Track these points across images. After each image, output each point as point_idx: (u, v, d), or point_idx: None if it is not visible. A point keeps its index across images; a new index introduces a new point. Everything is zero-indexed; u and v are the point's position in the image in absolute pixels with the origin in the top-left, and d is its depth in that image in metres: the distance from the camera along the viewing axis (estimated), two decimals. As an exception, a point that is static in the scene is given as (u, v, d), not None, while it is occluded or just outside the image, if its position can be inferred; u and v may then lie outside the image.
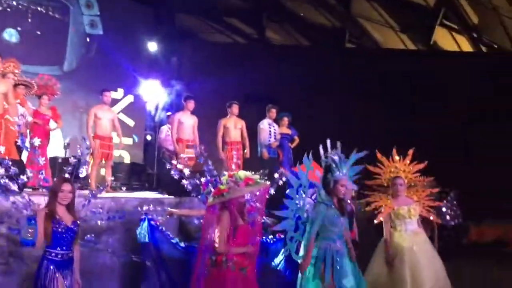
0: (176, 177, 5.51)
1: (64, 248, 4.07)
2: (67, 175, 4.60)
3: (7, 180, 4.42)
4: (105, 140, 7.75)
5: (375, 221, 5.48)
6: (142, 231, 5.38)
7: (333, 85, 11.28)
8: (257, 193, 4.15)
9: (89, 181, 7.56)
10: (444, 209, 7.30)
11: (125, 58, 11.55)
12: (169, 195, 7.23)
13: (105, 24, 11.73)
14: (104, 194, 5.72)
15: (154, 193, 8.22)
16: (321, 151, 4.59)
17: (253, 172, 4.08)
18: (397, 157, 5.53)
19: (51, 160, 8.24)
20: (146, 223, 5.37)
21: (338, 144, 4.57)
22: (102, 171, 8.81)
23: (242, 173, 3.97)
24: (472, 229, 10.94)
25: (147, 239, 5.36)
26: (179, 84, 12.24)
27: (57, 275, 4.00)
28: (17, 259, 5.15)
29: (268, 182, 4.34)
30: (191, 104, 8.33)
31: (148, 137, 11.89)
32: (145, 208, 5.49)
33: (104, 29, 11.71)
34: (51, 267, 4.00)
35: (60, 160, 8.76)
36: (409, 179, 5.49)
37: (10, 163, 4.56)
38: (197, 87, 11.11)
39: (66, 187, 4.15)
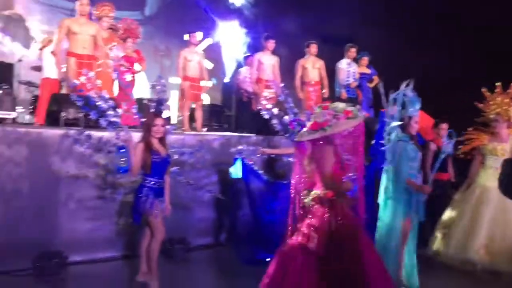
0: (266, 116, 5.59)
1: (159, 177, 4.42)
2: (160, 111, 4.88)
3: (110, 112, 4.70)
4: (194, 82, 7.93)
5: (460, 151, 5.42)
6: (236, 169, 5.67)
7: (419, 21, 10.65)
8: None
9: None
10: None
11: (204, 1, 11.60)
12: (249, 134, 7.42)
13: (183, -33, 11.76)
14: (192, 132, 6.01)
15: (233, 133, 8.42)
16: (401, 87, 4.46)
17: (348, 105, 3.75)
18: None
19: (137, 101, 8.63)
20: (239, 162, 5.63)
21: (411, 81, 4.43)
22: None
23: (340, 105, 3.63)
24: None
25: (239, 176, 5.66)
26: (256, 25, 12.14)
27: (155, 201, 4.37)
28: (114, 188, 5.61)
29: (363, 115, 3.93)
30: (271, 44, 8.30)
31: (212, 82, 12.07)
32: (239, 147, 5.73)
33: (183, -29, 11.75)
34: (150, 193, 4.36)
35: (145, 101, 9.14)
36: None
37: (108, 96, 4.85)
38: (276, 27, 10.96)
39: (159, 121, 4.43)
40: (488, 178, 5.31)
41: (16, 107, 7.26)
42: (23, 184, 5.17)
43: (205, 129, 9.56)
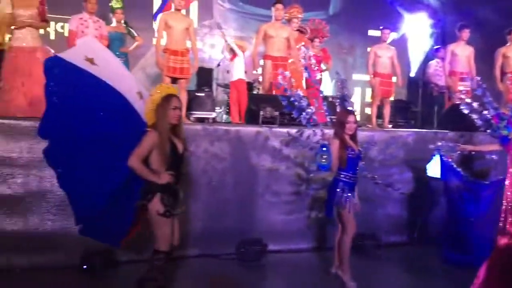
0: (465, 111, 5.28)
1: (353, 171, 4.53)
2: (350, 108, 4.93)
3: (309, 110, 4.91)
4: (385, 78, 7.86)
5: None
6: (433, 166, 5.52)
7: None
8: None
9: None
10: None
11: (388, -6, 11.35)
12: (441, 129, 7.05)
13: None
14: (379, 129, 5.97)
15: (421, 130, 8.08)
16: None
17: None
18: None
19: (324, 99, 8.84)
20: (437, 158, 5.45)
21: None
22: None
23: None
24: None
25: (438, 175, 5.47)
26: (446, 15, 11.44)
27: (349, 194, 4.49)
28: (308, 183, 5.86)
29: None
30: (466, 34, 7.80)
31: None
32: (438, 143, 5.54)
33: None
34: (346, 187, 4.49)
35: (330, 99, 9.32)
36: None
37: (302, 94, 5.07)
38: (467, 15, 10.17)
39: (351, 118, 4.51)
40: None
41: (216, 108, 8.04)
42: (227, 177, 5.66)
43: (391, 125, 9.37)
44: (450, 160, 5.41)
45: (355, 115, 4.59)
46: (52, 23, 8.20)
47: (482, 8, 10.09)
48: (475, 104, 5.42)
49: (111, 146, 3.72)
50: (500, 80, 7.70)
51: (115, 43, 7.17)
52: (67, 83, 3.69)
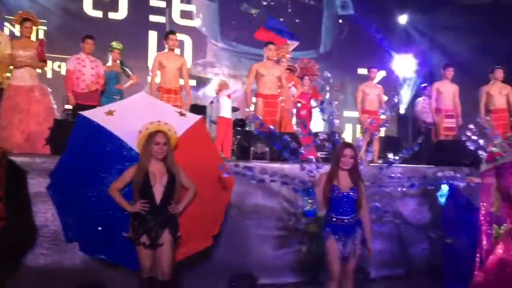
0: (472, 147, 5.46)
1: (340, 213, 4.07)
2: (349, 141, 4.99)
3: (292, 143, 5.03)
4: (373, 114, 8.06)
5: None
6: (442, 193, 5.72)
7: None
8: None
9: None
10: None
11: (377, 34, 11.75)
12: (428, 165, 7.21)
13: (355, 3, 12.12)
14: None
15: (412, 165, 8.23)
16: None
17: None
18: None
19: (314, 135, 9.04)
20: (446, 187, 5.65)
21: None
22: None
23: None
24: None
25: (443, 202, 5.69)
26: (432, 55, 11.84)
27: (332, 238, 4.06)
28: (297, 218, 5.95)
29: None
30: (450, 72, 8.06)
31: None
32: (446, 173, 5.75)
33: (355, 8, 12.11)
34: (328, 229, 4.11)
35: (320, 136, 9.51)
36: None
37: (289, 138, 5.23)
38: (453, 55, 10.57)
39: (348, 151, 4.10)
40: None
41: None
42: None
43: (381, 161, 9.54)
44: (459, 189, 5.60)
45: (354, 149, 4.18)
46: (49, 62, 8.46)
47: (467, 49, 10.49)
48: (481, 141, 5.60)
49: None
50: (485, 117, 7.92)
51: (111, 81, 7.40)
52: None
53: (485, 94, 7.94)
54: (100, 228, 4.18)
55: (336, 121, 5.64)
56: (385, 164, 5.98)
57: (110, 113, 4.31)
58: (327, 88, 5.63)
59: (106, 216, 4.18)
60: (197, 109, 9.17)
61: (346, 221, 4.05)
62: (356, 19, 11.99)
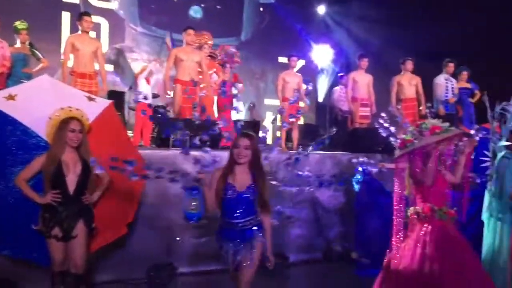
0: (384, 135, 5.68)
1: (235, 216, 3.41)
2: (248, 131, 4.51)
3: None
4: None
5: None
6: (356, 179, 5.94)
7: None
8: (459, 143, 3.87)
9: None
10: None
11: (297, 24, 11.95)
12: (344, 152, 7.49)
13: (276, -8, 12.25)
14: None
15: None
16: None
17: (441, 120, 3.86)
18: None
19: (234, 123, 9.03)
20: (361, 173, 5.90)
21: None
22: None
23: (430, 122, 3.76)
24: None
25: (357, 188, 5.94)
26: (348, 45, 12.26)
27: (224, 246, 3.45)
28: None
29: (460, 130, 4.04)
30: (364, 63, 8.37)
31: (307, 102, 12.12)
32: (360, 159, 5.94)
33: (276, -3, 12.24)
34: (219, 236, 3.50)
35: (241, 123, 9.54)
36: None
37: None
38: (368, 46, 11.00)
39: (243, 141, 3.41)
40: None
41: (128, 132, 7.96)
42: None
43: (300, 148, 9.76)
44: (371, 174, 5.84)
45: (252, 139, 3.45)
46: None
47: (381, 41, 10.95)
48: (392, 129, 5.85)
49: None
50: (396, 106, 8.32)
51: (18, 63, 6.93)
52: None
53: (396, 84, 8.34)
54: (3, 222, 3.92)
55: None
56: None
57: (10, 97, 4.01)
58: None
59: (11, 209, 3.93)
60: (114, 95, 8.87)
61: (241, 225, 3.40)
62: (276, 8, 12.10)
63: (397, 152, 3.86)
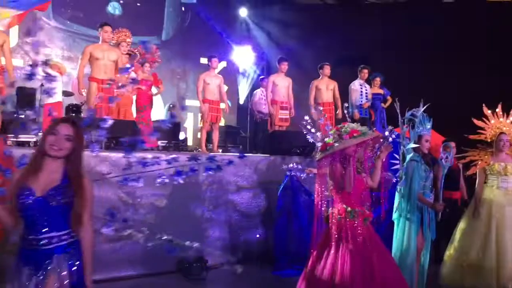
0: (311, 140, 5.76)
1: (36, 230, 2.49)
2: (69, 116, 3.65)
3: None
4: (213, 104, 8.13)
5: (468, 173, 5.46)
6: (285, 184, 6.10)
7: (427, 43, 10.83)
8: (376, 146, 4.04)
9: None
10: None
11: (218, 25, 11.92)
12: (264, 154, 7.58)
13: (198, -8, 12.14)
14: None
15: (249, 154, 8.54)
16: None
17: (359, 124, 4.03)
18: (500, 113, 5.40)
19: (154, 123, 8.84)
20: (289, 179, 6.05)
21: (423, 101, 4.58)
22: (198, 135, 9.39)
23: (349, 126, 3.88)
24: None
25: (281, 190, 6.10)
26: (270, 48, 12.42)
27: (22, 271, 2.49)
28: (135, 209, 5.75)
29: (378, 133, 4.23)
30: (284, 66, 8.50)
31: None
32: (290, 165, 6.06)
33: (198, -3, 12.13)
34: (17, 260, 2.54)
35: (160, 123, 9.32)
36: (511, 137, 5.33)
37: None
38: (289, 50, 11.21)
39: (64, 129, 2.54)
40: (495, 194, 5.20)
41: (40, 132, 7.51)
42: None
43: (221, 150, 9.76)
44: (299, 179, 6.05)
45: (77, 128, 2.59)
46: None
47: (301, 45, 11.21)
48: (318, 134, 5.96)
49: None
50: (314, 109, 8.54)
51: None
52: None
53: (314, 88, 8.57)
54: None
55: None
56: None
57: None
58: None
59: None
60: (24, 92, 8.34)
61: (43, 244, 2.48)
62: (198, 8, 12.00)
63: (319, 155, 3.95)
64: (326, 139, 3.90)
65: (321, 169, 3.97)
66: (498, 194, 5.19)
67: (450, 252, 5.31)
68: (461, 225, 5.35)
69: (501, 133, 5.27)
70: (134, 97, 8.10)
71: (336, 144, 3.80)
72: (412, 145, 4.54)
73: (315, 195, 3.99)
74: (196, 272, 5.83)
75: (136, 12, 11.24)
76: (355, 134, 3.79)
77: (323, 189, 3.94)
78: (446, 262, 5.29)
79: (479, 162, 5.29)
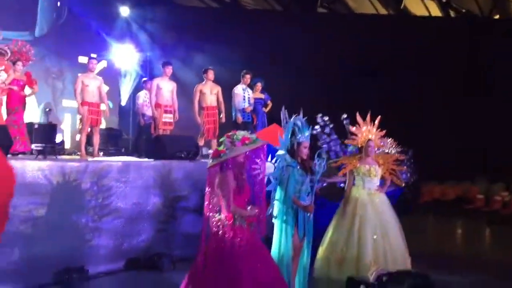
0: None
1: None
2: None
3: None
4: (93, 106, 7.75)
5: (339, 174, 5.99)
6: None
7: (305, 51, 11.50)
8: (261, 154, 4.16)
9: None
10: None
11: (97, 23, 11.46)
12: (148, 158, 7.50)
13: (75, -13, 11.54)
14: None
15: (132, 158, 8.37)
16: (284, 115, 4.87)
17: (249, 132, 4.14)
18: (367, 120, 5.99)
19: (28, 126, 8.26)
20: None
21: (300, 109, 4.87)
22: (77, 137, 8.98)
23: (240, 133, 3.96)
24: (424, 188, 11.89)
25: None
26: (153, 50, 12.25)
27: None
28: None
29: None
30: (169, 70, 8.43)
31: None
32: None
33: (75, -8, 11.53)
34: None
35: (36, 126, 8.76)
36: (376, 144, 5.95)
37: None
38: (172, 52, 11.17)
39: None
40: (360, 194, 5.80)
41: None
42: None
43: (102, 153, 9.42)
44: None
45: None
46: None
47: (184, 48, 11.24)
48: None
49: None
50: (198, 114, 8.61)
51: None
52: None
53: (198, 92, 8.61)
54: None
55: None
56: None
57: None
58: None
59: None
60: None
61: None
62: (75, 4, 11.39)
63: (210, 162, 3.98)
64: (218, 147, 3.95)
65: (212, 174, 4.00)
66: (363, 193, 5.81)
67: (322, 247, 5.79)
68: (333, 222, 5.87)
69: (369, 140, 5.87)
70: (4, 98, 7.52)
71: (228, 151, 3.88)
72: (282, 152, 4.75)
73: (205, 201, 4.05)
74: (76, 283, 5.62)
75: (6, 5, 10.37)
76: (247, 142, 3.90)
77: (211, 195, 3.99)
78: (318, 256, 5.73)
79: (347, 166, 5.84)
